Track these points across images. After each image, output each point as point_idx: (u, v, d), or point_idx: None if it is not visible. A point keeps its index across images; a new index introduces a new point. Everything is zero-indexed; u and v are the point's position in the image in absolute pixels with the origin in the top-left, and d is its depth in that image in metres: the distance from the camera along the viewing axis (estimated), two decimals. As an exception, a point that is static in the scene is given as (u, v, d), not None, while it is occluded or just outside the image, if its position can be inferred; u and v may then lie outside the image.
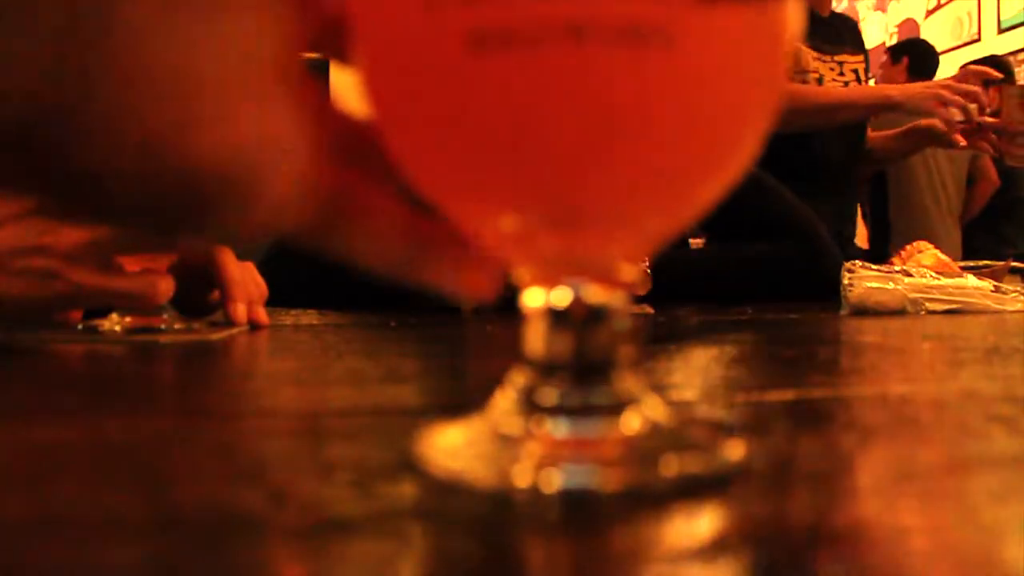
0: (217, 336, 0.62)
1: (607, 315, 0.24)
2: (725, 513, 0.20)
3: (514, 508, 0.20)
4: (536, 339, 0.24)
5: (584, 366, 0.24)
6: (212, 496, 0.22)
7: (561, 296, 0.24)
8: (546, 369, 0.24)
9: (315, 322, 0.85)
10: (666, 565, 0.17)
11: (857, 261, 0.97)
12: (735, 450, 0.24)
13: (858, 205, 2.42)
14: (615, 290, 0.24)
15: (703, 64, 0.20)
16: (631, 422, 0.23)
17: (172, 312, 0.64)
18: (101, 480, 0.24)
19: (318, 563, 0.17)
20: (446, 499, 0.21)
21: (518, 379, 0.25)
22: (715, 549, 0.17)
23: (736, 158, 0.23)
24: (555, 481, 0.21)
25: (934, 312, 0.93)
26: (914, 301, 0.94)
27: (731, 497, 0.21)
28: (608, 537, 0.19)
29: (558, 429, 0.23)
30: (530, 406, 0.24)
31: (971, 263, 1.52)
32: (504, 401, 0.25)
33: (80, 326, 0.63)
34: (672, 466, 0.22)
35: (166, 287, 0.58)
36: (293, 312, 1.00)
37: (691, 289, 1.14)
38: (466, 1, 0.18)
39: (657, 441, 0.23)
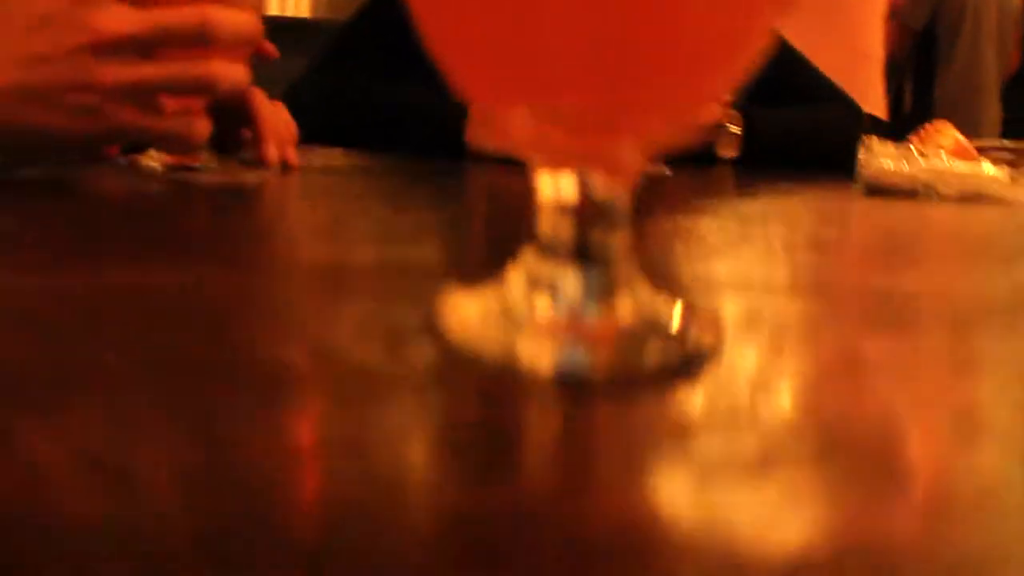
0: (251, 178, 0.64)
1: (611, 207, 0.26)
2: (690, 399, 0.23)
3: (515, 381, 0.23)
4: (544, 223, 0.26)
5: (585, 252, 0.26)
6: (251, 349, 0.25)
7: (568, 186, 0.26)
8: (551, 252, 0.27)
9: (342, 163, 0.86)
10: (633, 443, 0.19)
11: (874, 136, 0.97)
12: (711, 339, 0.26)
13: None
14: (621, 181, 0.26)
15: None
16: (623, 309, 0.26)
17: (209, 151, 0.66)
18: (143, 328, 0.27)
19: (347, 422, 0.20)
20: (457, 369, 0.24)
21: (527, 257, 0.27)
22: (675, 434, 0.20)
23: (742, 57, 0.25)
24: (550, 361, 0.23)
25: (947, 198, 0.93)
26: (926, 184, 0.94)
27: (701, 383, 0.24)
28: (590, 412, 0.21)
29: (558, 311, 0.25)
30: (535, 285, 0.26)
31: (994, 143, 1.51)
32: (514, 278, 0.27)
33: (121, 159, 0.65)
34: (653, 354, 0.24)
35: (203, 128, 0.60)
36: (320, 151, 1.01)
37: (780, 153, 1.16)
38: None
39: (643, 329, 0.26)
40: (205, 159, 0.66)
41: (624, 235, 0.26)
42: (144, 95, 0.56)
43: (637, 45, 0.22)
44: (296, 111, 1.22)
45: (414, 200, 0.67)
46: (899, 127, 2.66)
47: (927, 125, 1.10)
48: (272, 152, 0.74)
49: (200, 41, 0.56)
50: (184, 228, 0.48)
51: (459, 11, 0.23)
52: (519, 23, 0.22)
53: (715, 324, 0.29)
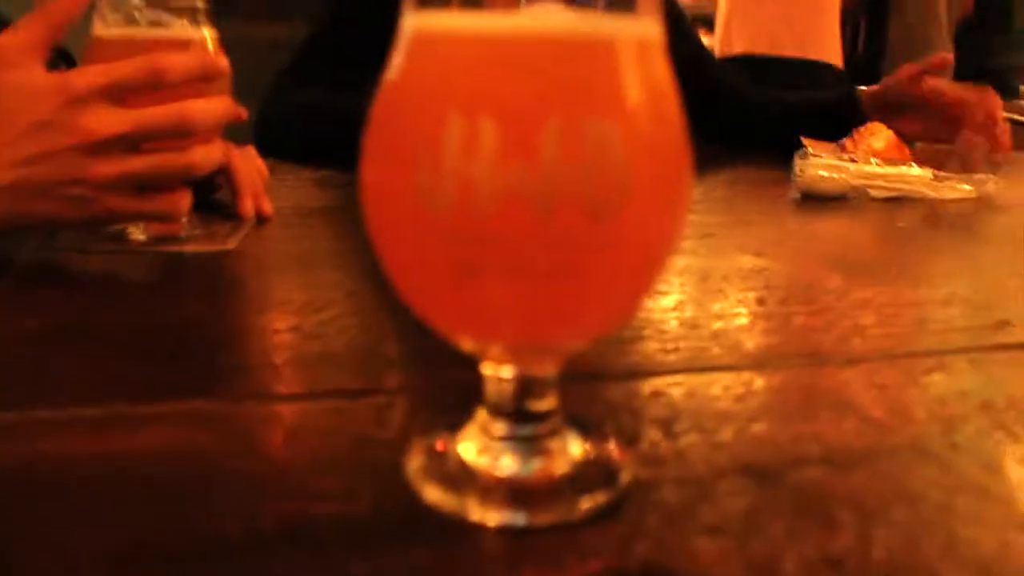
0: (233, 243, 0.70)
1: (542, 382, 0.33)
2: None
3: (466, 536, 0.30)
4: (491, 392, 0.33)
5: (523, 414, 0.33)
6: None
7: (507, 371, 0.32)
8: (496, 412, 0.34)
9: (312, 204, 0.92)
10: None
11: (809, 148, 1.04)
12: (629, 476, 0.34)
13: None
14: (551, 363, 0.33)
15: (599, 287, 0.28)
16: (555, 461, 0.33)
17: (190, 216, 0.71)
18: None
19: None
20: (419, 521, 0.31)
21: (479, 416, 0.34)
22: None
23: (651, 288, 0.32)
24: (495, 518, 0.30)
25: (876, 199, 1.01)
26: (857, 188, 1.01)
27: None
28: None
29: (501, 468, 0.32)
30: (485, 439, 0.33)
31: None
32: (469, 431, 0.34)
33: (110, 230, 0.70)
34: (585, 501, 0.31)
35: (186, 203, 0.65)
36: (292, 171, 1.07)
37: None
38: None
39: (573, 476, 0.33)
40: (187, 225, 0.71)
41: (553, 398, 0.33)
42: (131, 184, 0.61)
43: (558, 306, 0.28)
44: (268, 130, 1.27)
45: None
46: (853, 71, 2.73)
47: (860, 128, 1.16)
48: (248, 206, 0.80)
49: (181, 135, 0.61)
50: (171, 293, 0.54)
51: (416, 275, 0.30)
52: (462, 293, 0.28)
53: (629, 461, 0.36)
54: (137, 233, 0.70)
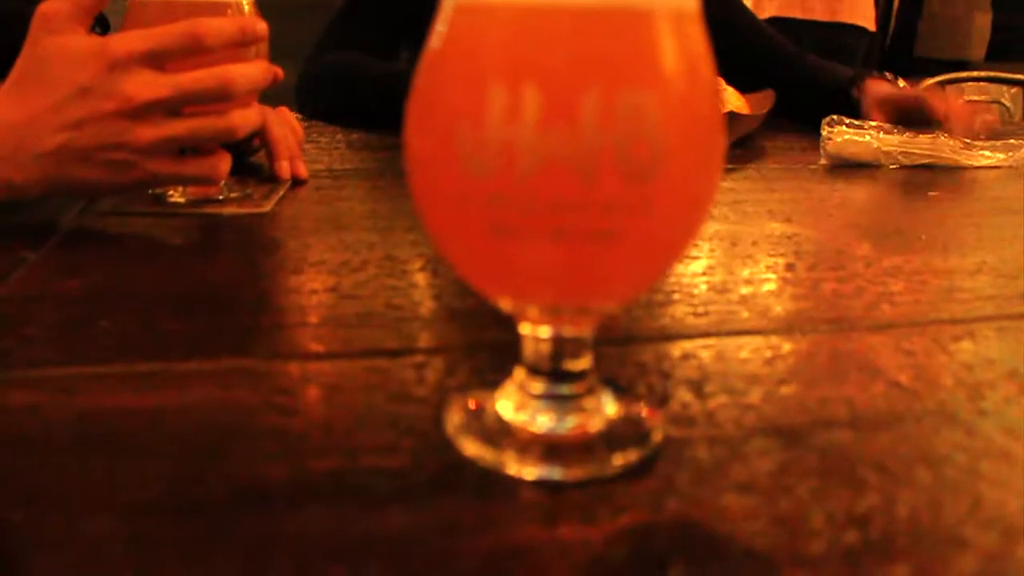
0: (269, 205, 0.71)
1: (578, 342, 0.34)
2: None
3: (503, 489, 0.31)
4: (529, 352, 0.34)
5: (559, 373, 0.34)
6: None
7: (544, 331, 0.33)
8: (533, 371, 0.34)
9: (347, 167, 0.93)
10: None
11: (835, 116, 1.03)
12: (659, 436, 0.34)
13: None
14: (587, 323, 0.34)
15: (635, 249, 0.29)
16: (590, 419, 0.34)
17: (227, 179, 0.72)
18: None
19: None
20: (457, 474, 0.32)
21: (516, 376, 0.35)
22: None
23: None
24: (532, 472, 0.31)
25: (906, 166, 1.00)
26: (887, 154, 1.00)
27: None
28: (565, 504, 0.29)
29: (538, 425, 0.33)
30: (522, 396, 0.34)
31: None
32: (507, 389, 0.35)
33: (150, 192, 0.71)
34: (618, 457, 0.32)
35: (225, 165, 0.66)
36: (325, 133, 1.08)
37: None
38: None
39: (607, 433, 0.34)
40: (225, 188, 0.72)
41: (588, 358, 0.34)
42: (172, 148, 0.62)
43: (595, 268, 0.29)
44: (308, 92, 1.27)
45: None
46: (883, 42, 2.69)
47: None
48: (284, 168, 0.81)
49: (221, 99, 0.62)
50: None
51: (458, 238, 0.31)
52: (501, 255, 0.29)
53: (660, 421, 0.36)
54: (176, 196, 0.71)
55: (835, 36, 2.30)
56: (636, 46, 0.28)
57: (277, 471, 0.32)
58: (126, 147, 0.60)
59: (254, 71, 0.64)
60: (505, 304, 0.32)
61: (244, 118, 0.65)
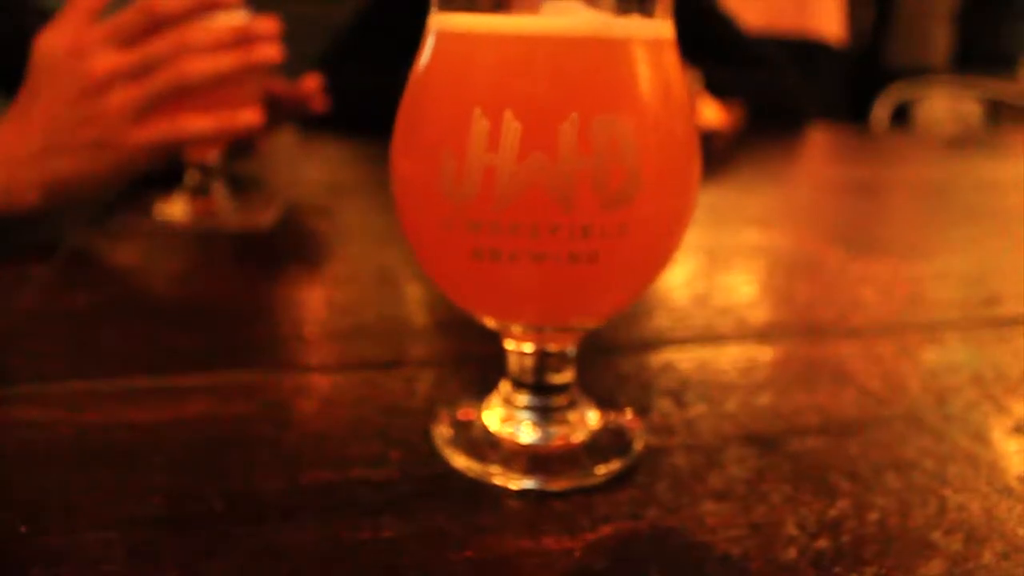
0: (267, 222, 0.71)
1: (561, 357, 0.34)
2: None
3: (489, 499, 0.31)
4: (513, 366, 0.34)
5: (543, 386, 0.34)
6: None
7: (528, 347, 0.33)
8: (518, 385, 0.34)
9: (343, 181, 0.92)
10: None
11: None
12: (640, 443, 0.34)
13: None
14: (570, 341, 0.33)
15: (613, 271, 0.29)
16: (573, 430, 0.34)
17: (226, 198, 0.72)
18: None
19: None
20: (445, 485, 0.32)
21: (503, 387, 0.35)
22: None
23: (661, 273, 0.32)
24: (517, 483, 0.31)
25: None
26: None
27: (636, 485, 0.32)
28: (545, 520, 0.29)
29: (523, 437, 0.33)
30: (508, 409, 0.34)
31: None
32: (493, 402, 0.35)
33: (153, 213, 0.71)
34: (600, 468, 0.32)
35: (250, 116, 0.65)
36: (321, 148, 1.07)
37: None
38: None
39: (590, 444, 0.33)
40: (223, 205, 0.72)
41: (571, 371, 0.34)
42: (140, 111, 0.61)
43: (575, 289, 0.29)
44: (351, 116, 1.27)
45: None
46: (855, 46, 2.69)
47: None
48: (309, 83, 0.84)
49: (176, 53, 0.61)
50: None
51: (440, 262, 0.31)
52: (484, 277, 0.29)
53: (641, 430, 0.36)
54: (178, 215, 0.71)
55: (802, 50, 2.31)
56: (614, 75, 0.28)
57: (272, 483, 0.32)
58: (100, 121, 0.60)
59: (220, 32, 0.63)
60: (489, 322, 0.32)
61: (199, 61, 0.62)
